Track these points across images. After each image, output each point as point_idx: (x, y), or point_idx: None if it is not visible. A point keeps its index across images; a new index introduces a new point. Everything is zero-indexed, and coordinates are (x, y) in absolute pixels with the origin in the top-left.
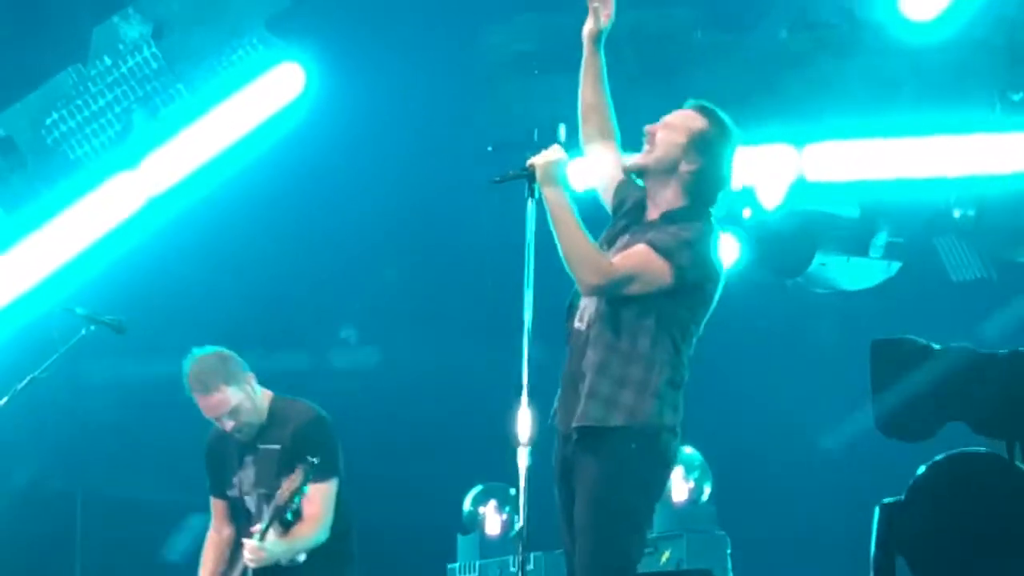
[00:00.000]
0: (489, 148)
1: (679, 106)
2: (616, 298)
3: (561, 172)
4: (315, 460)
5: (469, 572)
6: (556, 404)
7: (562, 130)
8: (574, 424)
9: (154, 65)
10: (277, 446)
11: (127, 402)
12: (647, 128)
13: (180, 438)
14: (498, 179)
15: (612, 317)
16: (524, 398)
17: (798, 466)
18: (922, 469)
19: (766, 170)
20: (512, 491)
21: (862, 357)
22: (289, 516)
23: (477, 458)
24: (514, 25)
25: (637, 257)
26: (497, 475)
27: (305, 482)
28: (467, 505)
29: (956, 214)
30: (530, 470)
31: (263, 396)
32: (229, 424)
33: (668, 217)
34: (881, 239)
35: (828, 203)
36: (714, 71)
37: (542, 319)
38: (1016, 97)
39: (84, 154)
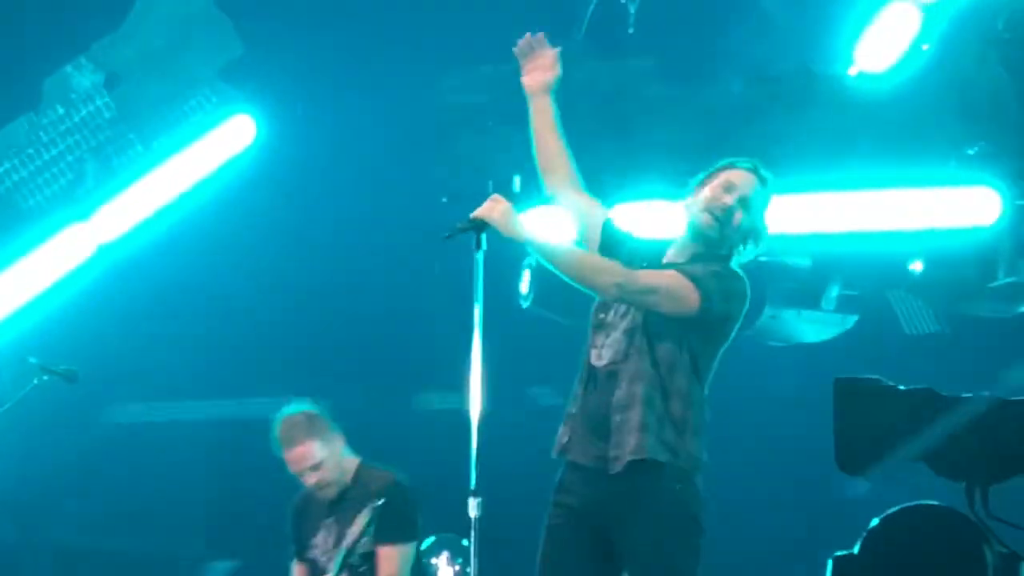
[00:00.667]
0: (444, 199)
1: (634, 160)
2: (653, 333)
3: (511, 215)
4: (380, 503)
5: None
6: (567, 440)
7: (517, 181)
8: (628, 458)
9: (107, 115)
10: (359, 509)
11: (79, 449)
12: (719, 202)
13: (131, 486)
14: (447, 235)
15: (650, 352)
16: (473, 448)
17: (757, 513)
18: (875, 521)
19: None
20: (464, 542)
21: (819, 405)
22: (355, 559)
23: (429, 508)
24: (468, 76)
25: (664, 276)
26: (449, 525)
27: (371, 523)
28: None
29: (913, 267)
30: (480, 520)
31: (350, 459)
32: (312, 479)
33: (698, 256)
34: (833, 291)
35: (779, 254)
36: (669, 124)
37: (491, 370)
38: (971, 151)
39: (36, 204)
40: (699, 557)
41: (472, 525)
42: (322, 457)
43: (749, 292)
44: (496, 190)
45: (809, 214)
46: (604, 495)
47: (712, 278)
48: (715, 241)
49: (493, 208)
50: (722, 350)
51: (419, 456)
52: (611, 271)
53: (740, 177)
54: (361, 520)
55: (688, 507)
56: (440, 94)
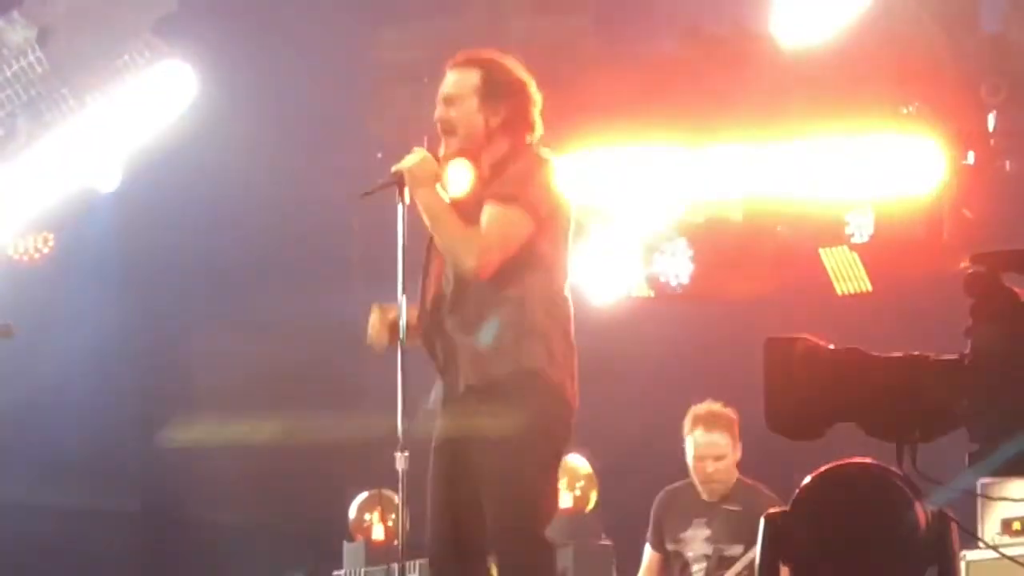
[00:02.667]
0: (379, 155)
1: (570, 116)
2: None
3: (428, 172)
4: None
5: None
6: None
7: None
8: None
9: (39, 70)
10: (738, 508)
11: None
12: (436, 117)
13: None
14: (368, 191)
15: None
16: (399, 403)
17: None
18: (807, 479)
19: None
20: (398, 498)
21: (749, 364)
22: None
23: (362, 464)
24: (403, 32)
25: (493, 221)
26: (383, 481)
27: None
28: (352, 512)
29: (846, 226)
30: (406, 474)
31: (736, 471)
32: (709, 468)
33: (496, 168)
34: None
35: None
36: (605, 81)
37: None
38: (907, 110)
39: None
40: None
41: (400, 478)
42: (726, 452)
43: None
44: (430, 146)
45: (744, 173)
46: None
47: (522, 185)
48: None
49: (411, 161)
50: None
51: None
52: (467, 254)
53: (448, 81)
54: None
55: None
56: (375, 50)
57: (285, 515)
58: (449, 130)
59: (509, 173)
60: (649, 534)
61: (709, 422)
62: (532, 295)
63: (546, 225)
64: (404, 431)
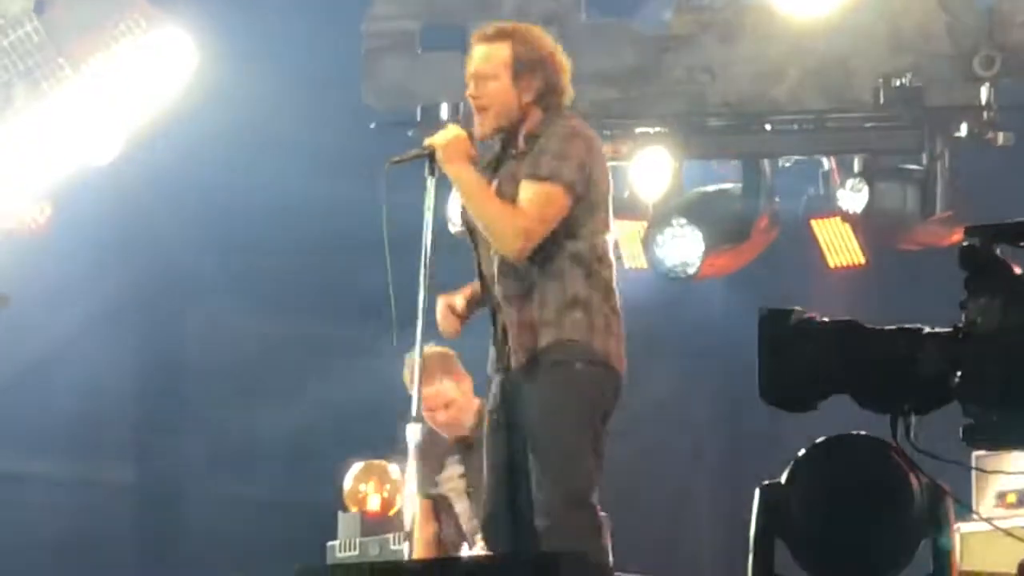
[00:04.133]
0: (372, 125)
1: None
2: None
3: (461, 149)
4: None
5: (349, 549)
6: None
7: (444, 108)
8: None
9: (36, 39)
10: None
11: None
12: (468, 94)
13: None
14: (396, 159)
15: None
16: (417, 377)
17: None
18: (802, 451)
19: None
20: (392, 468)
21: (744, 337)
22: None
23: (359, 435)
24: (397, 2)
25: (530, 201)
26: (379, 452)
27: None
28: (347, 482)
29: (841, 197)
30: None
31: (476, 401)
32: (441, 417)
33: (531, 140)
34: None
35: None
36: (598, 53)
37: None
38: (898, 83)
39: None
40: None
41: (410, 452)
42: (454, 396)
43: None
44: (423, 117)
45: (737, 142)
46: None
47: (561, 160)
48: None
49: (444, 136)
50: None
51: (355, 382)
52: (511, 234)
53: (477, 57)
54: None
55: None
56: (370, 21)
57: (280, 487)
58: (482, 108)
59: (544, 148)
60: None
61: (424, 374)
62: (572, 266)
63: (583, 197)
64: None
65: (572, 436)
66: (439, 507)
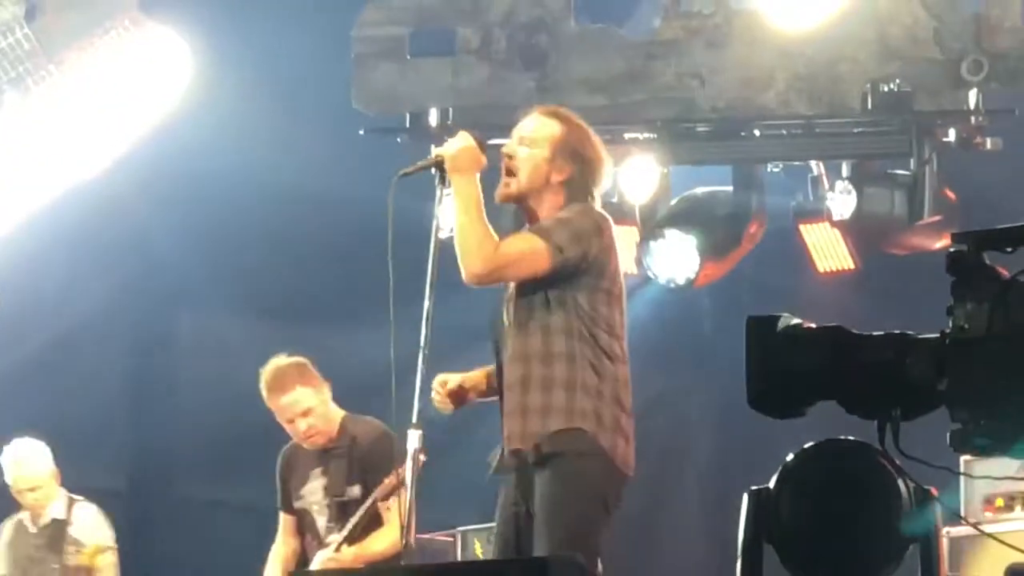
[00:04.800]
0: (360, 132)
1: (551, 95)
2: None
3: (471, 159)
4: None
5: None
6: None
7: (433, 113)
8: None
9: (26, 46)
10: (345, 458)
11: None
12: (503, 151)
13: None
14: (406, 171)
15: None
16: (418, 381)
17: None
18: (790, 456)
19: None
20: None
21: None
22: (349, 509)
23: None
24: (387, 8)
25: (514, 240)
26: None
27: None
28: None
29: (829, 202)
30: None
31: (336, 411)
32: (302, 426)
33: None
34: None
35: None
36: (587, 60)
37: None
38: (886, 89)
39: None
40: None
41: (411, 456)
42: (311, 404)
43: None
44: (412, 122)
45: (726, 148)
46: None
47: (560, 226)
48: (529, 196)
49: (454, 145)
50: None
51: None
52: (477, 255)
53: (529, 124)
54: (352, 471)
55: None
56: (359, 27)
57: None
58: (512, 171)
59: (553, 214)
60: (279, 499)
61: (280, 384)
62: (581, 353)
63: (581, 279)
64: (420, 409)
65: (574, 529)
66: (302, 522)
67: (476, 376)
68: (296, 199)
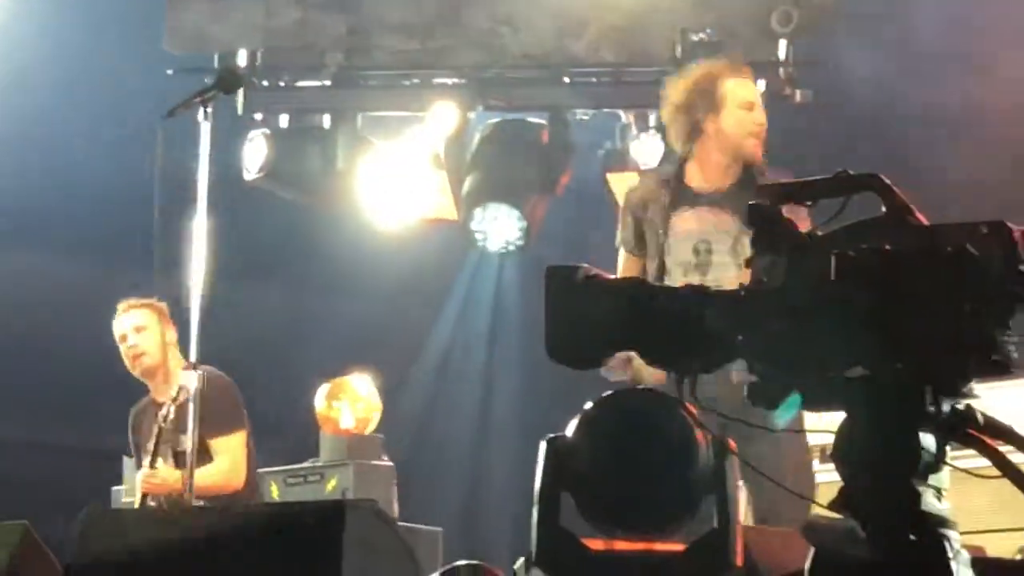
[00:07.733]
0: (169, 72)
1: (363, 39)
2: None
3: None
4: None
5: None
6: None
7: (242, 54)
8: None
9: None
10: (179, 403)
11: None
12: (758, 122)
13: None
14: (175, 108)
15: None
16: (194, 330)
17: (467, 399)
18: (587, 405)
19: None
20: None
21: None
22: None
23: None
24: None
25: None
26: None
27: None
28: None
29: (635, 151)
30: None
31: (175, 356)
32: (132, 343)
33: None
34: None
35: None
36: (399, 3)
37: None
38: (696, 38)
39: None
40: None
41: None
42: (148, 324)
43: None
44: (221, 62)
45: (537, 94)
46: None
47: None
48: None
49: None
50: None
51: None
52: None
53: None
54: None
55: None
56: None
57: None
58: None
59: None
60: (132, 452)
61: (123, 308)
62: None
63: None
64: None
65: None
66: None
67: None
68: (96, 139)
